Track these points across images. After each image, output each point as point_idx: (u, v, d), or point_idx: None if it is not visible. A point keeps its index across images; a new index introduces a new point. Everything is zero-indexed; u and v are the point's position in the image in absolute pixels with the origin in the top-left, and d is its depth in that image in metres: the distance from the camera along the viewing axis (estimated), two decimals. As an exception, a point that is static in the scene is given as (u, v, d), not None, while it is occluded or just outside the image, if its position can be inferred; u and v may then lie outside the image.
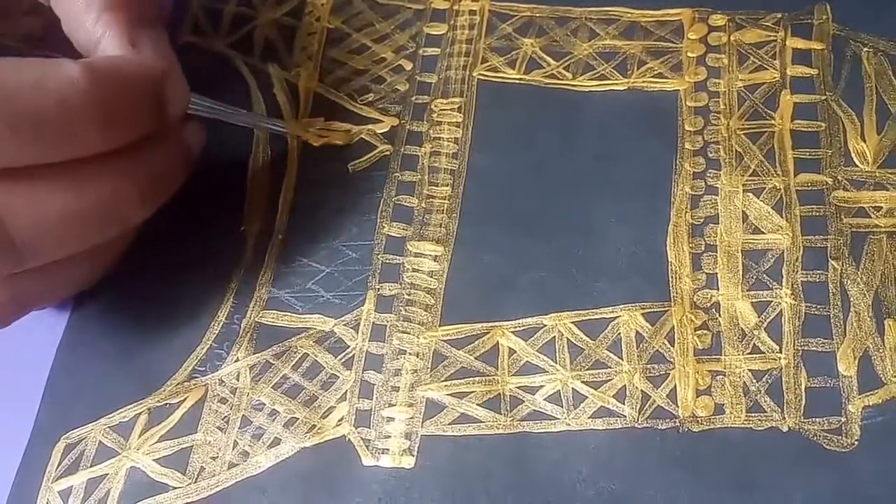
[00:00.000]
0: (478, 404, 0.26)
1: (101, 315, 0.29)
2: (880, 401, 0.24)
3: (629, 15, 0.31)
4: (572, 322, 0.26)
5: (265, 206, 0.30)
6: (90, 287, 0.29)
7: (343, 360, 0.27)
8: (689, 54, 0.30)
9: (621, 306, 0.26)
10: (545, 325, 0.26)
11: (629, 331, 0.26)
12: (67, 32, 0.26)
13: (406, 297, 0.28)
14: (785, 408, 0.24)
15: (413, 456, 0.25)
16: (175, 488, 0.26)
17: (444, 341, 0.27)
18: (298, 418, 0.26)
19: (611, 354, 0.26)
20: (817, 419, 0.24)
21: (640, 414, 0.25)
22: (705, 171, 0.28)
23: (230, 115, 0.29)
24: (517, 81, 0.31)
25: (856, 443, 0.23)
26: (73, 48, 0.26)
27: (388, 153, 0.30)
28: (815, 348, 0.25)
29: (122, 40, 0.25)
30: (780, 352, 0.25)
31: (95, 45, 0.25)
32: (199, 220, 0.30)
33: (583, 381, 0.25)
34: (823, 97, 0.28)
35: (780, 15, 0.30)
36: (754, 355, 0.25)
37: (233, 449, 0.26)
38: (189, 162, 0.28)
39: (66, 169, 0.23)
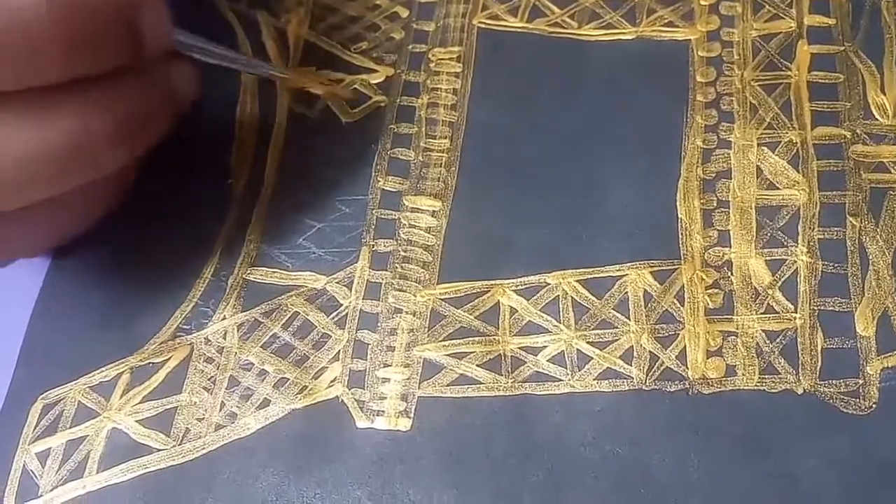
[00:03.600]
0: (477, 365, 0.24)
1: (81, 270, 0.28)
2: (899, 363, 0.23)
3: (638, -39, 0.30)
4: (577, 280, 0.25)
5: (253, 158, 0.28)
6: (71, 237, 0.27)
7: (336, 318, 0.26)
8: (702, 2, 0.29)
9: (628, 264, 0.25)
10: (548, 284, 0.25)
11: (637, 289, 0.25)
12: None
13: (402, 253, 0.26)
14: (800, 369, 0.23)
15: (409, 418, 0.24)
16: (159, 450, 0.24)
17: (443, 300, 0.25)
18: (289, 379, 0.25)
19: (617, 314, 0.25)
20: (834, 381, 0.23)
21: (647, 375, 0.24)
22: (718, 124, 0.27)
23: (228, 58, 0.27)
24: (519, 30, 0.29)
25: (874, 406, 0.22)
26: None
27: (383, 104, 0.29)
28: (831, 308, 0.24)
29: None
30: (796, 311, 0.24)
31: None
32: (184, 172, 0.28)
33: (588, 342, 0.24)
34: (842, 48, 0.27)
35: (796, -38, 0.29)
36: (768, 315, 0.24)
37: (220, 410, 0.25)
38: (174, 107, 0.26)
39: (29, 99, 0.21)
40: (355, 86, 0.29)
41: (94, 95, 0.23)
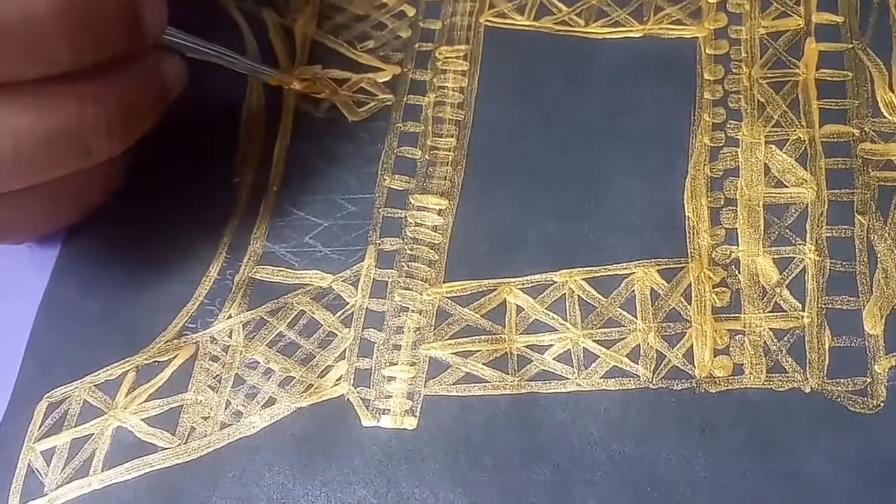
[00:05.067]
0: (484, 364, 0.24)
1: (87, 269, 0.28)
2: (908, 361, 0.23)
3: (645, -41, 0.30)
4: (583, 278, 0.25)
5: (259, 157, 0.28)
6: (62, 228, 0.27)
7: (342, 317, 0.26)
8: (709, 0, 0.28)
9: (635, 262, 0.25)
10: (555, 282, 0.25)
11: (644, 288, 0.25)
12: None
13: (408, 252, 0.26)
14: (807, 368, 0.23)
15: (415, 417, 0.24)
16: (164, 449, 0.24)
17: (449, 298, 0.25)
18: (294, 377, 0.25)
19: (624, 312, 0.24)
20: (841, 380, 0.23)
21: (654, 374, 0.23)
22: (725, 122, 0.27)
23: (211, 54, 0.27)
24: (526, 28, 0.29)
25: (881, 404, 0.22)
26: None
27: (389, 103, 0.29)
28: (839, 306, 0.24)
29: None
30: (803, 310, 0.24)
31: None
32: (190, 171, 0.28)
33: (594, 340, 0.24)
34: (850, 45, 0.27)
35: (804, -40, 0.29)
36: (776, 313, 0.24)
37: (225, 409, 0.25)
38: (164, 99, 0.26)
39: (28, 87, 0.22)
40: (361, 84, 0.29)
41: (89, 86, 0.23)
